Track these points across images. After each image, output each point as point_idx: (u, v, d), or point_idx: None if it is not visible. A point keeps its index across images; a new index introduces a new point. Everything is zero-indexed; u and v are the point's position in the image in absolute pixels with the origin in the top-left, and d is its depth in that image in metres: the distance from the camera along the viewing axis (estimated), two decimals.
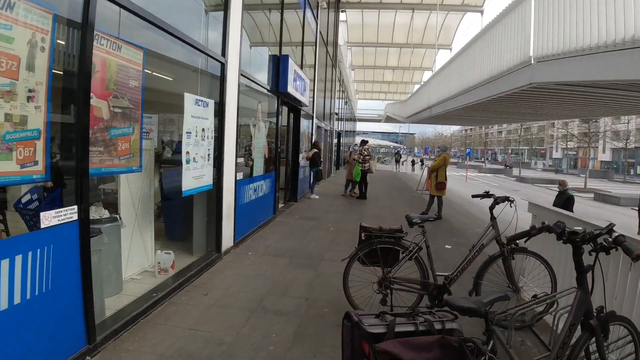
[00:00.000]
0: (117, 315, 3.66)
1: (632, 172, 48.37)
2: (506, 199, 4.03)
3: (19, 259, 2.51)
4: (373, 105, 65.79)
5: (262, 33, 8.42)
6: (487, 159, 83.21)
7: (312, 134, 14.14)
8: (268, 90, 8.12)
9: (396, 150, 49.79)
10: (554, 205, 7.40)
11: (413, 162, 21.00)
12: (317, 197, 12.49)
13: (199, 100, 4.77)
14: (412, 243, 3.92)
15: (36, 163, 2.75)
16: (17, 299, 2.49)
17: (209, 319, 3.82)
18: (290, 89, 8.71)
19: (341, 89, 27.56)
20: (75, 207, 2.97)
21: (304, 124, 12.83)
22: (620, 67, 5.97)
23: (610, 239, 2.22)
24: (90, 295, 3.11)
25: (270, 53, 8.45)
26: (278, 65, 8.39)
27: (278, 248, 6.34)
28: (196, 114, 4.71)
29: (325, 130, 18.64)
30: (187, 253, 5.66)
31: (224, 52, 5.47)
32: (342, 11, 22.82)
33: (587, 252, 2.29)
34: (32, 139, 2.70)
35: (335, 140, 25.83)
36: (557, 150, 67.31)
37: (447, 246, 6.88)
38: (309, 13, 11.87)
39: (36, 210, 3.47)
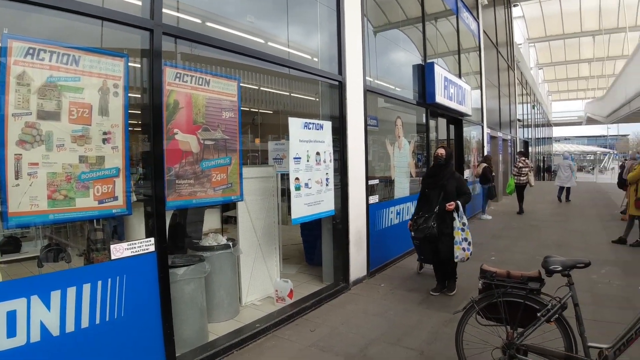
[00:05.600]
0: (213, 343, 3.71)
1: None
2: None
3: (87, 287, 2.71)
4: (572, 107, 55.53)
5: (402, 44, 7.93)
6: None
7: (483, 146, 12.66)
8: (411, 103, 7.56)
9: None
10: None
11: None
12: (490, 217, 10.99)
13: (310, 123, 4.63)
14: (553, 298, 2.78)
15: (116, 198, 2.96)
16: (84, 323, 2.69)
17: None
18: (441, 99, 7.89)
19: (524, 92, 24.33)
20: (152, 239, 3.11)
21: (470, 135, 11.59)
22: None
23: None
24: (170, 324, 3.22)
25: (412, 64, 7.86)
26: (423, 74, 7.73)
27: (417, 280, 5.64)
28: (306, 138, 4.57)
29: (504, 139, 16.53)
30: (319, 280, 5.54)
31: (340, 71, 5.24)
32: (514, 6, 20.03)
33: None
34: (110, 177, 2.92)
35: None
36: None
37: None
38: (465, 14, 10.74)
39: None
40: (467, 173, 10.68)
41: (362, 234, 5.64)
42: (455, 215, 4.86)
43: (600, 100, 30.31)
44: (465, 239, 4.88)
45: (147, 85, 3.16)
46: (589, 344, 2.68)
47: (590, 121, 41.58)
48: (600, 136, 73.03)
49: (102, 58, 2.84)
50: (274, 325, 4.15)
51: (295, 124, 4.45)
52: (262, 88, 9.11)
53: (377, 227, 6.04)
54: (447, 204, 4.82)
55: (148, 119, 3.15)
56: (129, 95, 3.01)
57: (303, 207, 4.56)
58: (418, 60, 8.02)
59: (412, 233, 5.14)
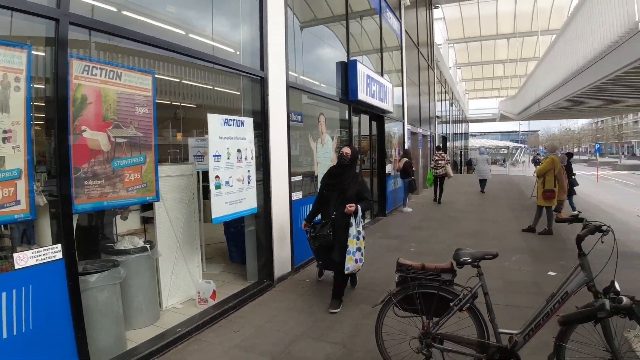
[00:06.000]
0: (132, 351, 3.54)
1: None
2: (597, 229, 2.60)
3: None
4: (487, 104, 60.71)
5: (327, 41, 8.05)
6: (623, 154, 71.64)
7: (404, 142, 13.29)
8: (334, 100, 7.70)
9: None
10: None
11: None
12: (410, 210, 11.60)
13: (230, 120, 4.55)
14: (464, 288, 2.93)
15: (18, 202, 2.71)
16: None
17: None
18: (363, 96, 8.13)
19: (443, 90, 25.91)
20: (59, 245, 2.89)
21: (392, 131, 12.11)
22: None
23: None
24: (83, 335, 3.03)
25: (337, 61, 8.00)
26: (346, 72, 7.90)
27: None
28: (226, 135, 4.49)
29: (424, 135, 17.50)
30: (244, 279, 5.48)
31: (262, 66, 5.20)
32: (435, 7, 21.26)
33: None
34: (11, 179, 2.67)
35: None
36: None
37: (550, 273, 5.48)
38: (388, 14, 11.19)
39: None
40: (388, 167, 11.13)
41: (286, 230, 5.67)
42: (352, 220, 4.45)
43: (513, 99, 32.48)
44: (359, 249, 4.50)
45: (52, 78, 2.92)
46: (500, 330, 2.85)
47: (503, 118, 44.46)
48: (512, 132, 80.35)
49: (2, 49, 2.59)
50: (196, 328, 4.05)
51: (214, 121, 4.34)
52: (184, 81, 8.76)
53: (301, 223, 6.07)
54: (347, 205, 4.43)
55: (52, 115, 2.92)
56: (33, 89, 2.77)
57: (224, 206, 4.48)
58: (343, 57, 8.16)
59: (308, 235, 4.91)
